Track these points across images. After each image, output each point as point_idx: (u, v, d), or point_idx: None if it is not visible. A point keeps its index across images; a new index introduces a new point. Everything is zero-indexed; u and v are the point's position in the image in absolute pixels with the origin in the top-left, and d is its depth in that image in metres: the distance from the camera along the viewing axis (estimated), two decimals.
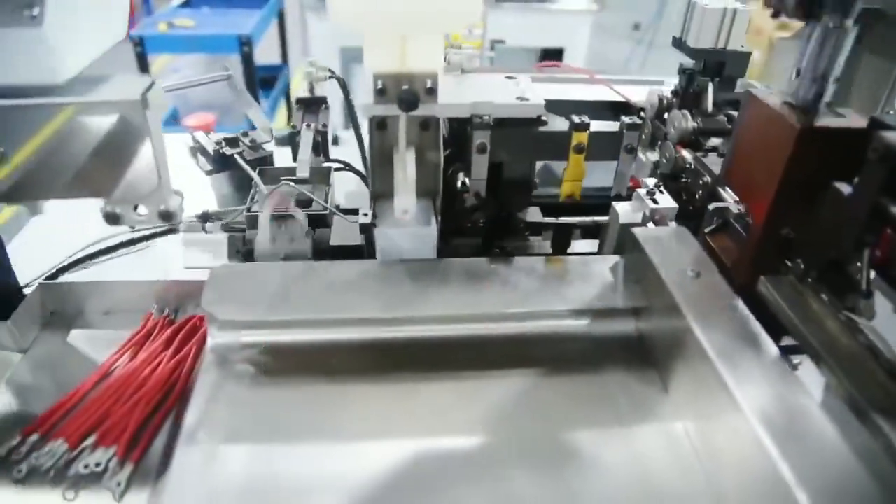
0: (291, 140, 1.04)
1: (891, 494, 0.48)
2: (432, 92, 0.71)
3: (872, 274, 0.64)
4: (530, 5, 3.02)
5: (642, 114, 1.05)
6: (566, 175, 0.81)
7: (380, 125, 0.76)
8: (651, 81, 1.22)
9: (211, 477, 0.57)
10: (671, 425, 0.65)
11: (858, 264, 0.64)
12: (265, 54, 3.20)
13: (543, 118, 0.78)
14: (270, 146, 1.05)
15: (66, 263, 0.89)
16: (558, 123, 0.80)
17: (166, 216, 0.69)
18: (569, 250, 0.88)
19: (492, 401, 0.67)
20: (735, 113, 0.97)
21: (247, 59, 2.60)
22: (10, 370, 0.82)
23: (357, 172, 1.01)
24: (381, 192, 0.79)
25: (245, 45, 2.58)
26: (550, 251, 0.88)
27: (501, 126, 0.75)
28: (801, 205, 0.70)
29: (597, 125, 0.80)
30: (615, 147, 0.82)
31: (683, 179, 0.94)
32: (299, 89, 1.15)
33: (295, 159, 1.06)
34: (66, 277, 0.92)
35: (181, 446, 0.59)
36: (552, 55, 3.10)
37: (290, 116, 1.97)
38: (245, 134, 1.04)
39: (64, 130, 0.62)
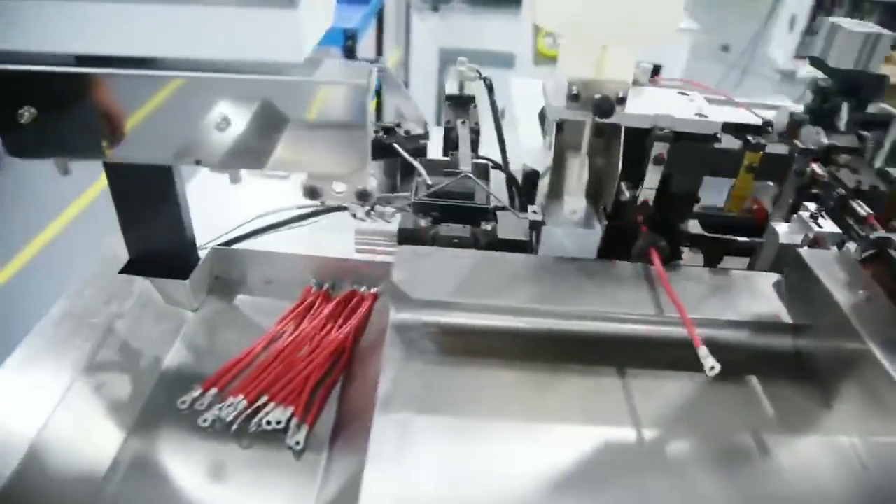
0: (446, 134, 1.09)
1: None
2: (622, 101, 0.74)
3: None
4: None
5: (768, 130, 1.06)
6: (734, 192, 0.84)
7: (560, 127, 0.80)
8: (770, 105, 1.23)
9: (408, 446, 0.62)
10: (837, 439, 0.67)
11: None
12: (362, 49, 3.29)
13: (718, 136, 0.80)
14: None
15: (240, 233, 0.96)
16: (729, 142, 0.82)
17: (363, 195, 0.74)
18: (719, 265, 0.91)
19: (659, 399, 0.70)
20: (866, 133, 0.97)
21: (349, 53, 2.68)
22: (184, 327, 0.88)
23: (504, 171, 1.05)
24: (554, 192, 0.83)
25: (349, 39, 2.66)
26: (700, 264, 0.90)
27: (679, 140, 0.78)
28: None
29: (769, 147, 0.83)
30: (783, 169, 0.84)
31: (814, 191, 0.95)
32: (449, 87, 1.20)
33: (445, 153, 1.11)
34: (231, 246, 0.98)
35: (378, 415, 0.63)
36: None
37: (378, 108, 2.05)
38: (398, 124, 1.09)
39: (287, 107, 0.67)
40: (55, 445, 0.66)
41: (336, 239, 1.02)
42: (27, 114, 0.68)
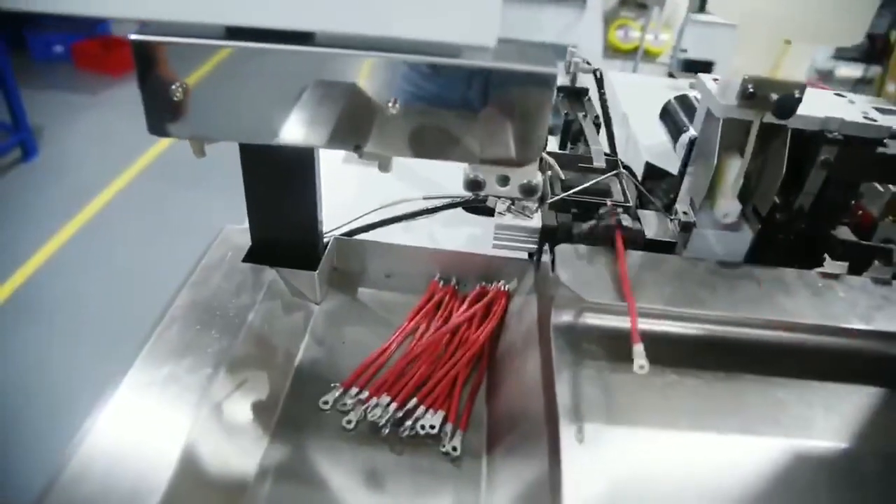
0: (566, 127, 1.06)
1: None
2: (799, 102, 0.71)
3: None
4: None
5: None
6: (893, 200, 0.81)
7: (725, 126, 0.77)
8: None
9: (601, 453, 0.59)
10: None
11: None
12: None
13: (886, 140, 0.77)
14: None
15: (365, 224, 0.93)
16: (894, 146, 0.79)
17: (529, 190, 0.71)
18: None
19: (831, 407, 0.68)
20: None
21: None
22: (311, 320, 0.86)
23: (626, 168, 1.02)
24: (708, 194, 0.80)
25: None
26: (842, 272, 0.88)
27: (847, 143, 0.75)
28: None
29: None
30: None
31: None
32: (560, 79, 1.17)
33: (563, 146, 1.09)
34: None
35: (564, 424, 0.60)
36: (700, 67, 3.06)
37: None
38: None
39: (466, 93, 0.64)
40: (204, 451, 0.64)
41: (450, 233, 1.00)
42: (179, 90, 0.65)
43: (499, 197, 0.80)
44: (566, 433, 0.60)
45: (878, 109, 0.79)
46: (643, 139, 1.05)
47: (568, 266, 0.74)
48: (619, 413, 0.64)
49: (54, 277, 3.02)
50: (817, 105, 0.78)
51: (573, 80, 1.15)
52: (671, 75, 1.61)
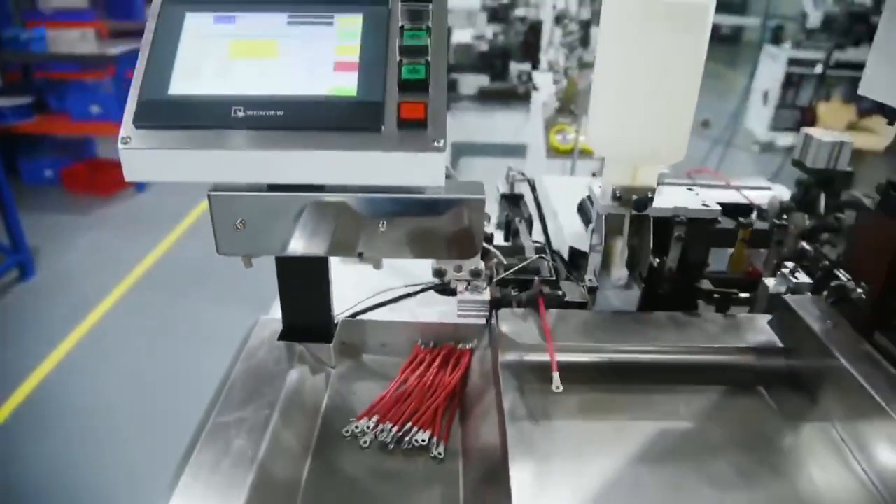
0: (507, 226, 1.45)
1: None
2: (651, 199, 1.11)
3: None
4: None
5: (763, 213, 1.42)
6: (733, 258, 1.19)
7: (607, 220, 1.15)
8: (759, 187, 1.61)
9: (535, 436, 0.94)
10: (822, 424, 1.00)
11: None
12: None
13: (719, 219, 1.16)
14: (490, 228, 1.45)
15: (364, 307, 1.29)
16: (726, 222, 1.18)
17: (476, 273, 1.08)
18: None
19: (696, 407, 1.03)
20: (841, 215, 1.34)
21: None
22: (329, 379, 1.21)
23: (555, 252, 1.40)
24: (603, 266, 1.18)
25: None
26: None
27: (692, 224, 1.14)
28: None
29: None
30: (764, 239, 1.20)
31: (804, 263, 1.30)
32: (501, 187, 1.57)
33: (506, 239, 1.47)
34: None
35: (509, 425, 0.95)
36: None
37: None
38: None
39: (427, 214, 1.02)
40: (276, 456, 0.97)
41: (427, 310, 1.37)
42: (239, 223, 1.02)
43: (457, 280, 1.18)
44: (511, 432, 0.94)
45: (715, 187, 1.18)
46: (567, 228, 1.44)
47: (508, 322, 1.11)
48: (547, 415, 0.99)
49: (59, 388, 3.31)
50: (672, 198, 1.17)
51: (511, 188, 1.55)
52: (594, 174, 2.03)
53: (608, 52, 1.05)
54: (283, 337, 1.20)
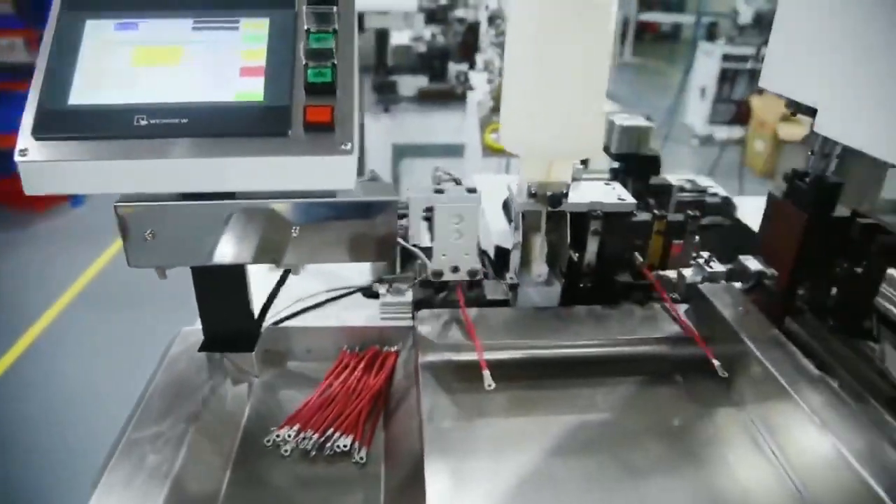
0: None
1: None
2: (566, 195, 1.12)
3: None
4: None
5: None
6: (651, 251, 1.21)
7: (524, 216, 1.16)
8: (687, 179, 1.64)
9: (453, 436, 0.94)
10: (735, 409, 1.03)
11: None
12: None
13: (634, 212, 1.18)
14: None
15: (288, 314, 1.28)
16: (643, 215, 1.21)
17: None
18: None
19: (617, 396, 1.05)
20: (652, 200, 1.35)
21: None
22: (253, 389, 1.19)
23: (483, 251, 1.41)
24: (522, 263, 1.19)
25: None
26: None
27: (608, 217, 1.16)
28: (810, 268, 1.10)
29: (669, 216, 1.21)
30: (680, 231, 1.22)
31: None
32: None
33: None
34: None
35: (426, 425, 0.95)
36: None
37: None
38: None
39: (340, 218, 1.01)
40: (192, 470, 0.95)
41: (356, 313, 1.36)
42: (149, 235, 1.00)
43: (378, 283, 1.17)
44: (429, 433, 0.94)
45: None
46: (493, 227, 1.44)
47: (427, 324, 1.11)
48: (466, 415, 0.99)
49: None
50: (588, 193, 1.19)
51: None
52: None
53: (515, 51, 1.06)
54: (203, 348, 1.17)
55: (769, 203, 1.19)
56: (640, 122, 1.36)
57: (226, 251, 1.02)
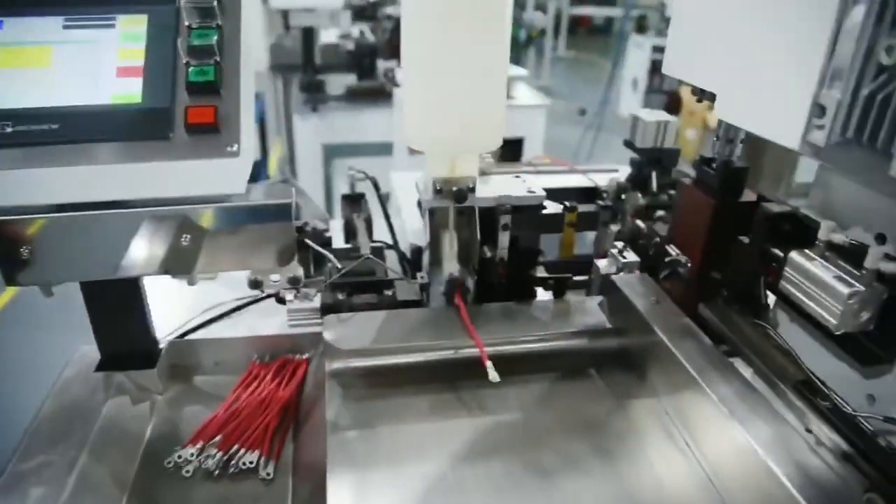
0: (345, 226, 1.40)
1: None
2: (472, 190, 1.08)
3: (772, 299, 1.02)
4: None
5: (604, 195, 1.45)
6: (563, 243, 1.19)
7: (431, 213, 1.13)
8: (608, 169, 1.63)
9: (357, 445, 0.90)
10: (650, 400, 1.01)
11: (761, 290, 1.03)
12: None
13: (544, 204, 1.16)
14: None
15: (191, 327, 1.21)
16: (554, 207, 1.18)
17: (294, 281, 1.03)
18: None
19: (532, 393, 1.02)
20: (673, 192, 1.37)
21: None
22: (155, 407, 1.12)
23: (395, 249, 1.37)
24: (433, 261, 1.15)
25: None
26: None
27: (518, 211, 1.13)
28: (720, 254, 1.09)
29: (581, 207, 1.19)
30: (593, 222, 1.20)
31: (640, 242, 1.32)
32: (343, 188, 1.52)
33: (346, 241, 1.42)
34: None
35: (330, 436, 0.90)
36: (513, 144, 3.59)
37: None
38: (306, 224, 1.39)
39: (233, 223, 0.96)
40: (82, 500, 0.89)
41: (267, 321, 1.30)
42: (26, 251, 0.93)
43: (273, 289, 1.12)
44: (333, 443, 0.90)
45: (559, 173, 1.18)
46: (409, 225, 1.40)
47: (334, 329, 1.06)
48: (372, 423, 0.95)
49: None
50: (497, 187, 1.16)
51: (352, 187, 1.50)
52: None
53: (412, 49, 1.02)
54: (100, 367, 1.10)
55: (679, 190, 1.18)
56: (663, 117, 1.37)
57: (112, 264, 0.95)
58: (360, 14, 4.03)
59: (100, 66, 0.91)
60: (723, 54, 0.97)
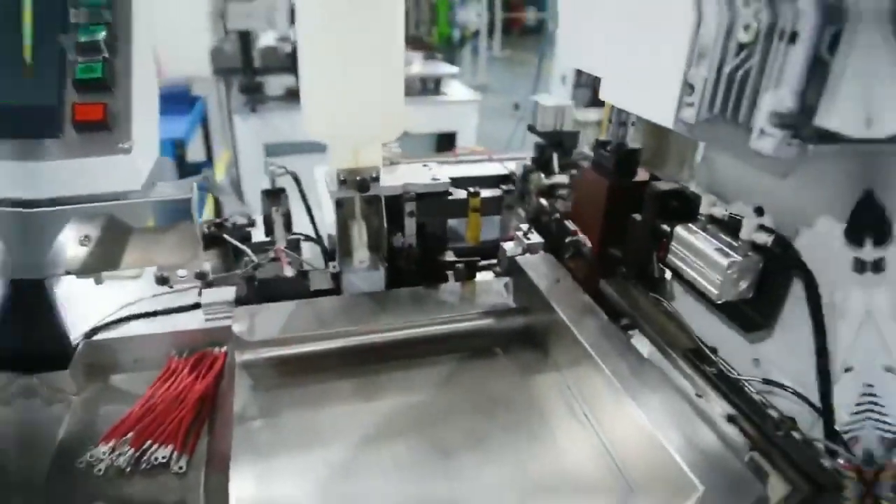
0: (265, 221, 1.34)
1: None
2: (376, 179, 1.05)
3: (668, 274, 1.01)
4: (426, 98, 3.49)
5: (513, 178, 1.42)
6: (469, 227, 1.16)
7: (339, 204, 1.08)
8: (522, 157, 1.61)
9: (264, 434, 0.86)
10: (553, 375, 0.99)
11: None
12: (192, 153, 3.52)
13: (450, 191, 1.13)
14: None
15: (101, 324, 1.14)
16: (460, 193, 1.15)
17: (201, 276, 0.98)
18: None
19: (442, 373, 0.99)
20: (574, 171, 1.35)
21: (180, 160, 2.87)
22: (70, 408, 1.05)
23: (316, 241, 1.32)
24: (344, 251, 1.11)
25: (178, 147, 2.86)
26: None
27: (422, 198, 1.10)
28: (617, 232, 1.08)
29: (485, 192, 1.17)
30: (498, 206, 1.18)
31: (543, 219, 1.30)
32: (264, 184, 1.46)
33: (267, 235, 1.36)
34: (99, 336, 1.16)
35: (236, 426, 0.86)
36: (447, 138, 3.56)
37: (216, 202, 2.27)
38: (226, 220, 1.33)
39: (134, 220, 0.90)
40: None
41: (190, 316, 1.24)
42: None
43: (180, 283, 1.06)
44: (239, 433, 0.86)
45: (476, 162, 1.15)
46: (328, 217, 1.36)
47: (242, 321, 1.01)
48: (278, 412, 0.91)
49: None
50: (403, 176, 1.12)
51: (273, 182, 1.44)
52: None
53: (308, 44, 0.98)
54: (7, 369, 1.03)
55: (578, 173, 1.16)
56: (561, 102, 1.33)
57: (7, 265, 0.88)
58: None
59: None
60: (604, 41, 0.96)
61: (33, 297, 1.00)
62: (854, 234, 0.73)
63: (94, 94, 0.84)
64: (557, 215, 1.20)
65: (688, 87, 0.77)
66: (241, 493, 0.76)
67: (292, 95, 3.46)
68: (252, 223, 1.33)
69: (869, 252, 0.72)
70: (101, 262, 0.92)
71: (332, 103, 0.98)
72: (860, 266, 0.73)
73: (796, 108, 0.63)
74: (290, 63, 3.67)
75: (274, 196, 1.41)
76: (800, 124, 0.63)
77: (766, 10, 0.66)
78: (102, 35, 0.86)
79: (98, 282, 0.96)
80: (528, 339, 1.06)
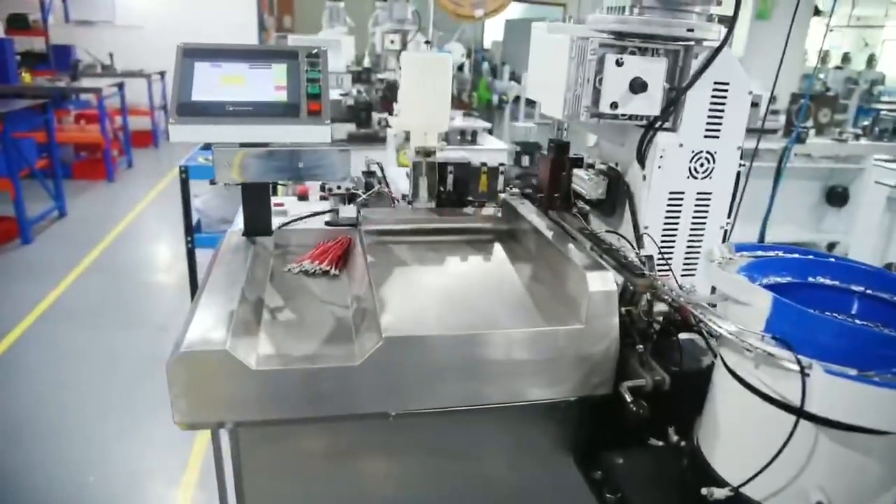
0: None
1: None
2: (434, 153, 2.31)
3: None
4: (462, 147, 4.82)
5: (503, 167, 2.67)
6: (480, 183, 2.42)
7: (415, 166, 2.34)
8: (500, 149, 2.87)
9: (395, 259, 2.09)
10: (522, 250, 2.21)
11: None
12: None
13: (470, 162, 2.39)
14: None
15: (287, 221, 2.39)
16: (476, 164, 2.41)
17: (347, 195, 2.23)
18: None
19: (461, 252, 2.23)
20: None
21: None
22: (272, 253, 2.28)
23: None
24: (415, 193, 2.37)
25: None
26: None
27: (457, 166, 2.36)
28: (555, 186, 2.31)
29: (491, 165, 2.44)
30: (497, 174, 2.43)
31: (522, 186, 2.54)
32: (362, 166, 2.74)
33: (367, 190, 2.63)
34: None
35: (369, 259, 2.09)
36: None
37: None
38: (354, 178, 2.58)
39: None
40: (253, 285, 2.04)
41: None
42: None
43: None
44: (369, 253, 2.08)
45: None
46: (401, 183, 2.61)
47: (368, 215, 2.26)
48: (385, 251, 2.15)
49: None
50: (446, 155, 2.38)
51: (368, 166, 2.71)
52: None
53: (406, 83, 2.27)
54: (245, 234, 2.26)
55: (539, 157, 2.41)
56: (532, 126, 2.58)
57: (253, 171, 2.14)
58: (357, 78, 5.36)
59: (268, 84, 2.12)
60: (538, 81, 2.22)
61: (260, 196, 2.24)
62: (639, 162, 1.97)
63: (316, 99, 2.12)
64: (532, 181, 2.44)
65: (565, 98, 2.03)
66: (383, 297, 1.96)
67: (352, 139, 4.83)
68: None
69: (646, 171, 1.96)
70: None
71: (415, 111, 2.25)
72: (643, 177, 1.96)
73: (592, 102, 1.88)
74: (350, 114, 5.06)
75: (371, 173, 2.70)
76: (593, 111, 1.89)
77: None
78: (319, 73, 2.14)
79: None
80: (512, 238, 2.26)
